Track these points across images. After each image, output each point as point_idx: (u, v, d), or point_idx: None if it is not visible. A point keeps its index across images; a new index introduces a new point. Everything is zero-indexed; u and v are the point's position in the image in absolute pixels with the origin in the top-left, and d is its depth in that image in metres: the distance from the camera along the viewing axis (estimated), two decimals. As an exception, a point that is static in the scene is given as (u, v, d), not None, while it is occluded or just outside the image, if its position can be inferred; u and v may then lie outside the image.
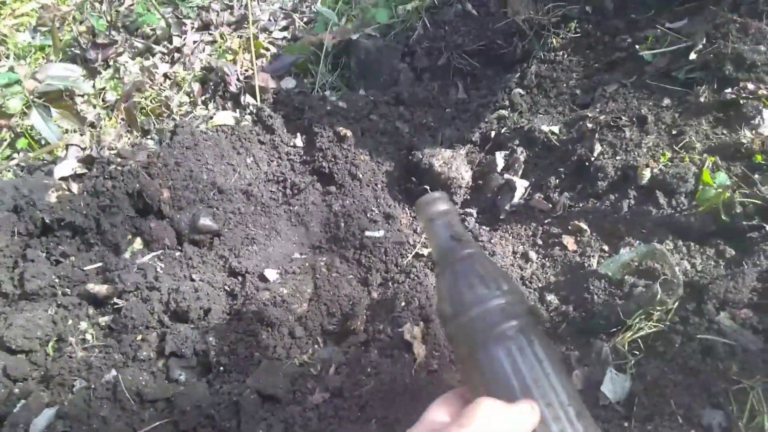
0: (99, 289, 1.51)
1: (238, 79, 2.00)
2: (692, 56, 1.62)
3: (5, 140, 2.09)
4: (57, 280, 1.55)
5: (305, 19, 2.25)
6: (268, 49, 2.13)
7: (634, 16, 1.90)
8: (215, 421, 1.25)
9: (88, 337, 1.49)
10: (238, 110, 1.93)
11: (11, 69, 2.34)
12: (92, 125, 2.05)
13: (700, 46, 1.62)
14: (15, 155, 2.04)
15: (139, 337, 1.43)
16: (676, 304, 1.23)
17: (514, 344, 0.66)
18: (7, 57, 2.45)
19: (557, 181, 1.61)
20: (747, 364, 1.11)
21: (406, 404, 1.18)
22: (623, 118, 1.60)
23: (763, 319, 1.18)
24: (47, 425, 1.34)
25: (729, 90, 1.53)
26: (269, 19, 2.28)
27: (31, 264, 1.57)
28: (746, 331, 1.17)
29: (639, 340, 1.22)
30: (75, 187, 1.67)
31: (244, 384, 1.29)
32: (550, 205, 1.58)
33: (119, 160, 1.73)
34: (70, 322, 1.50)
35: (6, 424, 1.37)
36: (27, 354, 1.49)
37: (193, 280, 1.52)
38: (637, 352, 1.20)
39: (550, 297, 1.39)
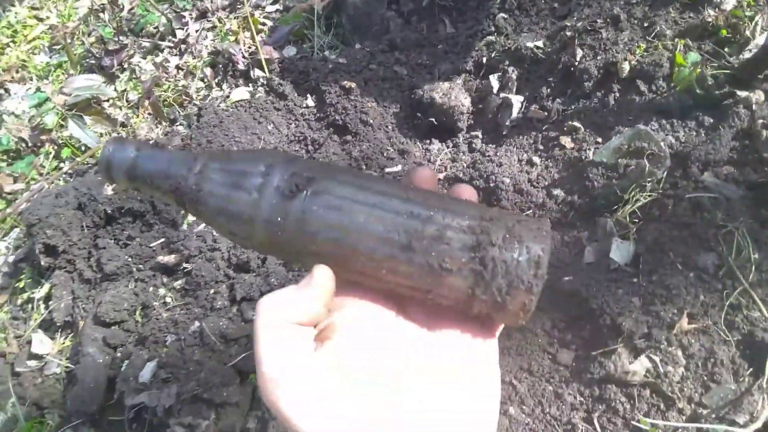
0: (168, 259, 1.74)
1: (243, 57, 2.17)
2: (653, -49, 1.75)
3: (50, 153, 2.31)
4: (130, 259, 1.79)
5: (293, -10, 2.40)
6: (264, 24, 2.29)
7: None
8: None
9: (168, 300, 1.72)
10: (250, 85, 2.11)
11: (38, 89, 2.56)
12: (123, 125, 2.25)
13: (659, -60, 1.74)
14: (62, 165, 2.26)
15: (212, 291, 1.66)
16: (665, 173, 1.40)
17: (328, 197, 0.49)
18: (31, 80, 2.66)
19: (548, 90, 1.77)
20: (731, 211, 1.29)
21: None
22: (598, 21, 1.74)
23: (741, 171, 1.35)
24: (152, 375, 1.59)
25: (690, -25, 1.66)
26: (259, -4, 2.44)
27: (104, 250, 1.81)
28: (728, 184, 1.34)
29: (637, 211, 1.40)
30: (126, 179, 1.88)
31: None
32: (546, 113, 1.75)
33: (158, 143, 1.93)
34: (150, 290, 1.74)
35: (118, 381, 1.62)
36: (119, 324, 1.74)
37: (245, 237, 1.73)
38: (637, 220, 1.39)
39: (557, 191, 1.57)
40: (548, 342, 1.31)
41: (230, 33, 2.30)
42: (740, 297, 1.20)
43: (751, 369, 1.14)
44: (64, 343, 1.89)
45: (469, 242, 0.47)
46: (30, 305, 2.01)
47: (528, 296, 0.46)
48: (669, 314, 1.20)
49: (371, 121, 1.87)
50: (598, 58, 1.68)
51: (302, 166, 0.51)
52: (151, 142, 2.07)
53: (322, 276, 0.49)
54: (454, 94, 1.80)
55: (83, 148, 2.26)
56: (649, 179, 1.39)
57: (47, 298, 1.95)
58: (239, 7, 2.40)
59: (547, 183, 1.61)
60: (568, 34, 1.75)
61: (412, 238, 0.47)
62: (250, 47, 2.23)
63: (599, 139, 1.60)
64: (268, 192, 0.49)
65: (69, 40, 2.58)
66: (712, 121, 1.47)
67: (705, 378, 1.14)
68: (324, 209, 0.48)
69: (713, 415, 1.10)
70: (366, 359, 0.47)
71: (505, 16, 2.03)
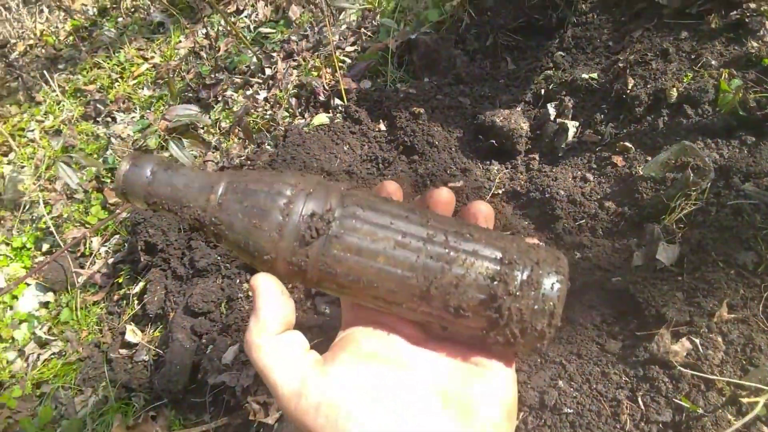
0: (251, 258, 1.96)
1: (324, 89, 2.44)
2: (701, -8, 1.91)
3: (151, 171, 2.62)
4: (219, 258, 2.01)
5: (369, 32, 2.67)
6: (343, 62, 2.56)
7: (649, -29, 2.19)
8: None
9: (251, 294, 1.93)
10: (330, 111, 2.36)
11: (142, 117, 2.90)
12: (215, 147, 2.54)
13: (707, -17, 1.91)
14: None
15: (289, 286, 1.86)
16: (709, 184, 1.52)
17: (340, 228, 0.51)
18: (135, 110, 3.02)
19: (602, 116, 1.93)
20: (769, 215, 1.39)
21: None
22: (649, 54, 1.90)
23: (782, 182, 1.46)
24: (234, 357, 1.78)
25: (735, 12, 1.81)
26: (340, 38, 2.72)
27: (196, 250, 2.04)
28: (767, 192, 1.45)
29: (683, 217, 1.52)
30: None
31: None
32: (599, 137, 1.90)
33: (248, 162, 2.19)
34: (235, 285, 1.95)
35: (202, 362, 1.82)
36: (206, 315, 1.95)
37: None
38: (683, 226, 1.51)
39: (608, 203, 1.70)
40: (597, 334, 1.42)
41: (313, 69, 2.58)
42: (779, 292, 1.29)
43: (788, 356, 1.22)
44: (153, 333, 2.11)
45: (486, 290, 0.48)
46: (125, 301, 2.27)
47: (540, 341, 0.49)
48: (710, 305, 1.30)
49: (436, 143, 2.07)
50: (648, 86, 1.83)
51: (321, 199, 0.51)
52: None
53: (265, 289, 0.52)
54: (513, 119, 1.98)
55: (179, 167, 2.55)
56: (693, 188, 1.51)
57: (141, 294, 2.20)
58: (322, 48, 2.69)
59: (599, 196, 1.74)
60: (621, 65, 1.91)
61: (431, 285, 0.49)
62: (330, 81, 2.50)
63: (648, 158, 1.73)
64: (288, 233, 0.50)
65: (171, 76, 2.93)
66: (753, 139, 1.59)
67: (744, 362, 1.23)
68: (344, 252, 0.50)
69: (752, 396, 1.19)
70: (377, 374, 0.49)
71: (563, 54, 2.22)
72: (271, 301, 0.52)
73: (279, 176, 0.53)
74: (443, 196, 0.58)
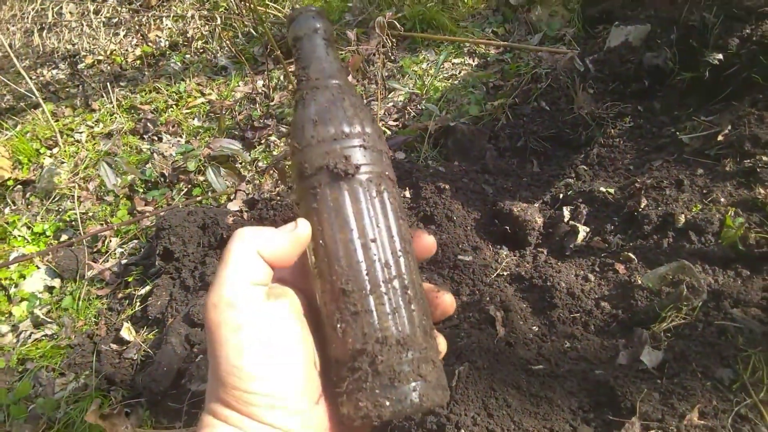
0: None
1: (361, 152, 2.62)
2: (720, 138, 2.09)
3: (182, 190, 2.77)
4: (228, 277, 2.10)
5: (412, 114, 2.89)
6: (384, 132, 2.76)
7: (677, 113, 2.40)
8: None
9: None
10: (362, 171, 2.53)
11: (187, 142, 3.09)
12: (249, 181, 2.70)
13: (726, 131, 2.10)
14: (191, 200, 2.70)
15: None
16: (700, 303, 1.62)
17: (362, 188, 0.57)
18: (182, 135, 3.21)
19: (611, 227, 2.06)
20: (751, 340, 1.48)
21: (491, 357, 1.60)
22: (665, 182, 2.06)
23: (767, 314, 1.56)
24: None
25: (748, 161, 1.98)
26: (384, 113, 2.94)
27: (209, 266, 2.14)
28: (754, 321, 1.54)
29: (671, 328, 1.61)
30: (246, 215, 2.27)
31: (368, 346, 1.74)
32: (606, 245, 2.03)
33: (278, 198, 2.33)
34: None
35: (191, 368, 1.87)
36: (203, 328, 2.01)
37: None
38: (669, 335, 1.59)
39: (604, 304, 1.80)
40: (572, 417, 1.48)
41: (354, 133, 2.78)
42: (749, 411, 1.35)
43: (750, 471, 1.27)
44: (147, 336, 2.17)
45: (370, 339, 0.54)
46: (127, 300, 2.35)
47: (376, 412, 0.52)
48: (683, 408, 1.37)
49: (455, 218, 2.20)
50: (659, 208, 1.97)
51: (368, 159, 0.59)
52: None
53: (304, 228, 0.56)
54: (530, 212, 2.12)
55: (209, 192, 2.70)
56: (685, 304, 1.61)
57: (146, 297, 2.28)
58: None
59: (597, 296, 1.84)
60: (637, 185, 2.07)
61: (355, 288, 0.55)
62: (367, 147, 2.68)
63: (649, 271, 1.84)
64: (322, 149, 0.58)
65: (223, 113, 3.14)
66: (748, 273, 1.70)
67: (706, 467, 1.28)
68: (335, 217, 0.57)
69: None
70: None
71: (585, 168, 2.39)
72: (297, 236, 0.56)
73: (363, 113, 0.62)
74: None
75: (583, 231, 2.09)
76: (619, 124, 2.46)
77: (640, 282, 1.79)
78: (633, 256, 1.91)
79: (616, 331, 1.73)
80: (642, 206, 2.01)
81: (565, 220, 2.16)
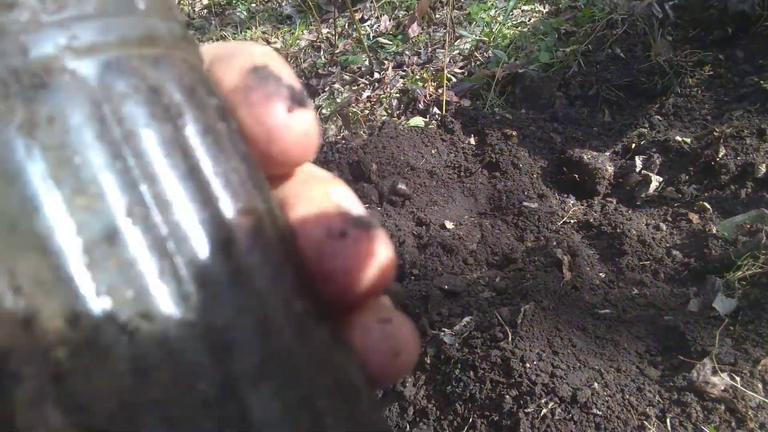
0: (325, 222, 2.09)
1: (425, 98, 2.60)
2: (811, 86, 1.97)
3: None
4: (294, 216, 2.15)
5: (479, 62, 2.83)
6: (449, 80, 2.73)
7: (761, 61, 2.27)
8: (408, 307, 1.73)
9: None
10: (426, 117, 2.51)
11: (253, 89, 3.14)
12: (313, 127, 2.72)
13: (818, 78, 1.97)
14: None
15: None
16: (780, 252, 1.56)
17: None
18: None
19: (686, 177, 1.99)
20: (836, 290, 1.42)
21: (556, 299, 1.59)
22: (745, 131, 1.96)
23: None
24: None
25: (841, 109, 1.86)
26: (450, 61, 2.90)
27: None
28: (839, 272, 1.47)
29: (747, 277, 1.56)
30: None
31: (431, 284, 1.76)
32: (680, 195, 1.96)
33: (343, 141, 2.35)
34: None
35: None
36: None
37: (392, 221, 2.05)
38: (744, 284, 1.54)
39: (675, 252, 1.75)
40: (639, 361, 1.46)
41: (420, 80, 2.75)
42: (831, 360, 1.31)
43: (828, 419, 1.23)
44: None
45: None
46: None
47: None
48: (757, 353, 1.33)
49: (521, 165, 2.17)
50: (738, 158, 1.89)
51: None
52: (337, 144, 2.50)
53: None
54: (600, 160, 2.07)
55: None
56: (763, 252, 1.55)
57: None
58: (429, 66, 2.87)
59: (668, 245, 1.79)
60: (716, 134, 1.98)
61: None
62: (431, 94, 2.65)
63: (725, 220, 1.78)
64: None
65: (288, 60, 3.16)
66: (836, 223, 1.62)
67: (781, 413, 1.25)
68: None
69: (782, 444, 1.20)
70: None
71: (660, 118, 2.30)
72: None
73: None
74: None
75: (655, 181, 2.03)
76: (698, 72, 2.35)
77: (714, 231, 1.73)
78: (708, 206, 1.84)
79: (688, 279, 1.69)
80: (720, 156, 1.92)
81: (637, 169, 2.09)
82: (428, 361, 1.55)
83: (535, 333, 1.47)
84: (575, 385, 1.33)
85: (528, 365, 1.38)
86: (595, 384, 1.34)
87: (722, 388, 1.27)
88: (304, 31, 3.47)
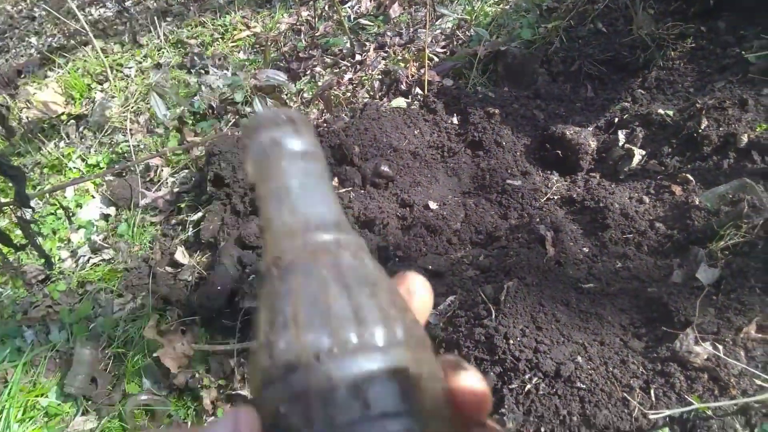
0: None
1: (408, 79, 2.57)
2: (791, 54, 1.96)
3: (230, 121, 2.79)
4: (277, 201, 2.13)
5: (461, 41, 2.81)
6: (431, 59, 2.70)
7: (743, 32, 2.26)
8: (393, 289, 1.72)
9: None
10: (409, 98, 2.49)
11: (234, 74, 3.10)
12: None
13: (799, 46, 1.96)
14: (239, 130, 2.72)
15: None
16: (761, 221, 1.56)
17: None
18: (228, 68, 3.22)
19: (669, 150, 1.98)
20: (817, 257, 1.42)
21: (540, 275, 1.58)
22: (727, 102, 1.95)
23: (836, 232, 1.48)
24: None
25: (821, 76, 1.86)
26: (432, 40, 2.87)
27: (258, 191, 2.17)
28: (820, 238, 1.47)
29: (729, 247, 1.55)
30: (292, 141, 2.27)
31: (415, 265, 1.75)
32: (663, 167, 1.95)
33: (324, 125, 2.32)
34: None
35: (243, 287, 1.92)
36: (254, 249, 2.06)
37: (375, 204, 2.03)
38: (727, 253, 1.54)
39: (659, 225, 1.75)
40: (623, 333, 1.46)
41: (401, 61, 2.72)
42: (812, 326, 1.31)
43: (809, 384, 1.23)
44: (201, 258, 2.24)
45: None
46: (181, 226, 2.41)
47: None
48: (740, 322, 1.33)
49: (504, 143, 2.15)
50: (720, 129, 1.88)
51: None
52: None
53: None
54: (583, 135, 2.05)
55: (257, 123, 2.71)
56: (746, 221, 1.55)
57: (198, 223, 2.34)
58: (411, 46, 2.84)
59: (651, 217, 1.79)
60: (698, 106, 1.97)
61: None
62: (413, 75, 2.63)
63: (708, 191, 1.77)
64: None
65: (268, 44, 3.12)
66: (817, 191, 1.62)
67: (763, 380, 1.25)
68: None
69: (764, 410, 1.21)
70: None
71: (643, 92, 2.29)
72: None
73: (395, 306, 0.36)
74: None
75: (638, 154, 2.02)
76: (680, 45, 2.33)
77: (697, 202, 1.73)
78: (691, 178, 1.84)
79: (671, 251, 1.69)
80: (702, 127, 1.92)
81: (620, 143, 2.08)
82: (413, 341, 1.54)
83: (519, 309, 1.46)
84: (559, 359, 1.33)
85: (512, 341, 1.37)
86: (579, 358, 1.34)
87: (705, 357, 1.28)
88: (284, 15, 3.42)
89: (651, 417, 1.24)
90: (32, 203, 2.48)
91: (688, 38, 2.34)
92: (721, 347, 1.28)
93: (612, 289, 1.59)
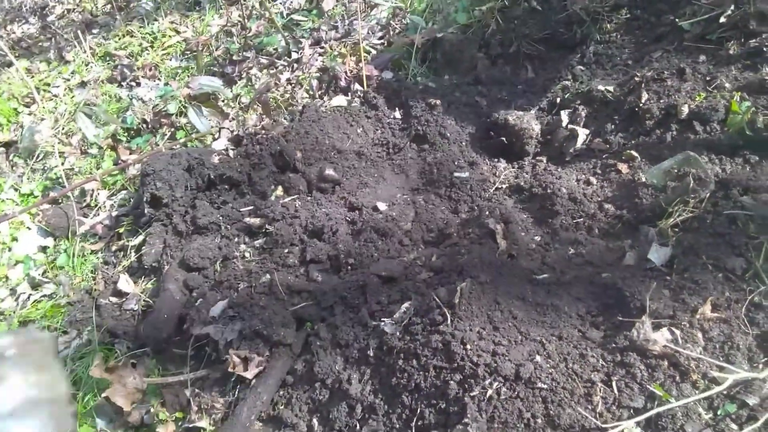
0: (253, 221, 1.99)
1: (346, 75, 2.49)
2: (722, 20, 1.95)
3: (166, 134, 2.67)
4: (221, 218, 2.04)
5: (397, 30, 2.74)
6: (369, 52, 2.62)
7: (676, -1, 2.25)
8: (347, 299, 1.66)
9: (247, 255, 1.95)
10: (349, 96, 2.41)
11: (166, 84, 2.97)
12: (232, 118, 2.59)
13: (729, 12, 1.95)
14: (176, 144, 2.61)
15: (286, 251, 1.88)
16: (708, 194, 1.54)
17: None
18: (160, 78, 3.08)
19: (612, 127, 1.96)
20: (764, 226, 1.41)
21: (493, 271, 1.54)
22: (666, 72, 1.94)
23: (780, 199, 1.48)
24: (221, 311, 1.80)
25: (753, 41, 1.85)
26: (368, 32, 2.79)
27: (200, 209, 2.07)
28: (765, 206, 1.47)
29: (679, 223, 1.54)
30: (232, 153, 2.18)
31: (368, 272, 1.70)
32: (607, 145, 1.93)
33: (263, 132, 2.23)
34: (233, 246, 1.97)
35: (189, 313, 1.84)
36: (200, 271, 1.97)
37: (323, 210, 1.96)
38: (677, 230, 1.53)
39: (608, 206, 1.73)
40: (580, 323, 1.43)
41: (339, 56, 2.64)
42: (764, 298, 1.30)
43: (766, 359, 1.23)
44: (146, 285, 2.14)
45: None
46: (122, 252, 2.30)
47: None
48: (694, 302, 1.32)
49: (448, 135, 2.10)
50: (661, 101, 1.87)
51: None
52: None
53: None
54: (526, 119, 2.02)
55: (194, 134, 2.60)
56: (692, 196, 1.53)
57: (140, 247, 2.23)
58: (349, 39, 2.76)
59: (600, 199, 1.77)
60: (637, 79, 1.95)
61: None
62: (352, 70, 2.55)
63: (653, 167, 1.76)
64: None
65: (200, 50, 3.00)
66: (757, 158, 1.61)
67: (721, 359, 1.24)
68: None
69: (725, 393, 1.19)
70: None
71: (583, 68, 2.26)
72: None
73: None
74: None
75: (582, 134, 2.00)
76: (615, 17, 2.31)
77: (644, 179, 1.71)
78: (636, 154, 1.82)
79: (622, 233, 1.67)
80: (643, 101, 1.90)
81: (564, 124, 2.06)
82: (371, 354, 1.49)
83: (474, 310, 1.42)
84: (517, 360, 1.29)
85: (469, 346, 1.33)
86: (538, 357, 1.30)
87: (663, 344, 1.26)
88: (214, 16, 3.29)
89: (615, 411, 1.21)
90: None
91: (623, 9, 2.32)
92: (678, 332, 1.26)
93: (566, 277, 1.56)
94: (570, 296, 1.50)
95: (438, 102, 2.16)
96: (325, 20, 2.96)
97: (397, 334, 1.47)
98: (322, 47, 2.80)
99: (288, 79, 2.70)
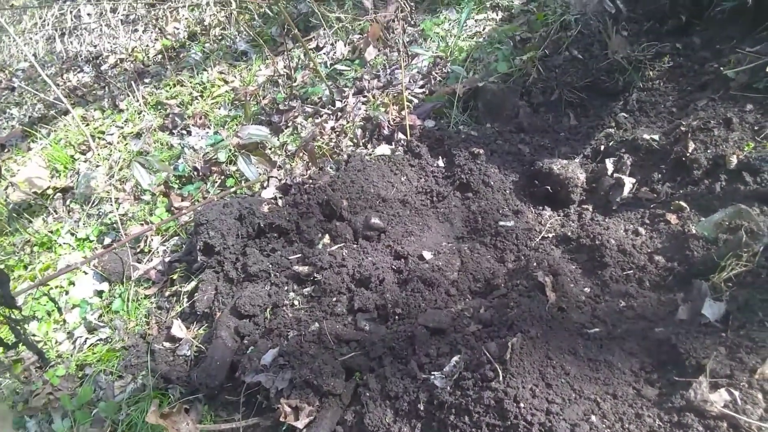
0: (301, 269, 2.04)
1: (389, 124, 2.56)
2: (769, 68, 1.95)
3: (216, 182, 2.77)
4: (270, 266, 2.10)
5: (438, 79, 2.80)
6: (411, 101, 2.69)
7: (719, 46, 2.25)
8: (396, 350, 1.68)
9: (296, 303, 2.00)
10: (392, 144, 2.47)
11: (216, 132, 3.08)
12: (280, 167, 2.67)
13: (776, 60, 1.95)
14: (226, 191, 2.69)
15: (334, 299, 1.91)
16: (761, 248, 1.53)
17: None
18: (210, 126, 3.20)
19: (659, 176, 1.96)
20: (823, 283, 1.39)
21: (543, 325, 1.55)
22: (712, 122, 1.94)
23: (838, 254, 1.46)
24: (272, 360, 1.83)
25: (803, 90, 1.84)
26: (410, 81, 2.86)
27: (250, 256, 2.14)
28: (823, 262, 1.44)
29: (732, 277, 1.52)
30: (280, 202, 2.25)
31: (416, 323, 1.72)
32: (655, 195, 1.93)
33: (310, 181, 2.30)
34: (282, 294, 2.02)
35: (242, 361, 1.88)
36: (251, 318, 2.02)
37: (369, 259, 2.00)
38: (731, 285, 1.51)
39: (658, 257, 1.72)
40: (634, 380, 1.42)
41: (381, 105, 2.71)
42: (827, 358, 1.27)
43: (832, 422, 1.19)
44: (198, 331, 2.19)
45: None
46: (175, 297, 2.37)
47: None
48: (753, 361, 1.30)
49: (492, 183, 2.13)
50: (708, 151, 1.86)
51: None
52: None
53: None
54: (571, 168, 2.03)
55: (243, 182, 2.69)
56: (745, 250, 1.52)
57: (192, 293, 2.30)
58: (392, 87, 2.83)
59: (650, 250, 1.76)
60: (683, 129, 1.95)
61: None
62: (395, 118, 2.61)
63: (703, 219, 1.75)
64: None
65: (247, 99, 3.11)
66: (813, 211, 1.59)
67: (784, 422, 1.21)
68: None
69: (789, 457, 1.17)
70: None
71: (626, 116, 2.28)
72: None
73: None
74: None
75: (629, 182, 2.00)
76: (658, 65, 2.33)
77: (694, 231, 1.70)
78: (685, 205, 1.81)
79: (673, 285, 1.66)
80: (690, 150, 1.90)
81: (609, 173, 2.06)
82: (422, 408, 1.50)
83: (526, 366, 1.42)
84: (572, 420, 1.29)
85: (522, 405, 1.33)
86: (593, 417, 1.30)
87: (722, 404, 1.24)
88: (261, 66, 3.42)
89: (674, 473, 1.19)
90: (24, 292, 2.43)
91: (665, 57, 2.33)
92: (737, 393, 1.24)
93: (618, 331, 1.56)
94: (623, 351, 1.49)
95: (481, 151, 2.20)
96: (368, 69, 3.05)
97: (448, 388, 1.48)
98: (365, 96, 2.88)
99: (332, 128, 2.78)
